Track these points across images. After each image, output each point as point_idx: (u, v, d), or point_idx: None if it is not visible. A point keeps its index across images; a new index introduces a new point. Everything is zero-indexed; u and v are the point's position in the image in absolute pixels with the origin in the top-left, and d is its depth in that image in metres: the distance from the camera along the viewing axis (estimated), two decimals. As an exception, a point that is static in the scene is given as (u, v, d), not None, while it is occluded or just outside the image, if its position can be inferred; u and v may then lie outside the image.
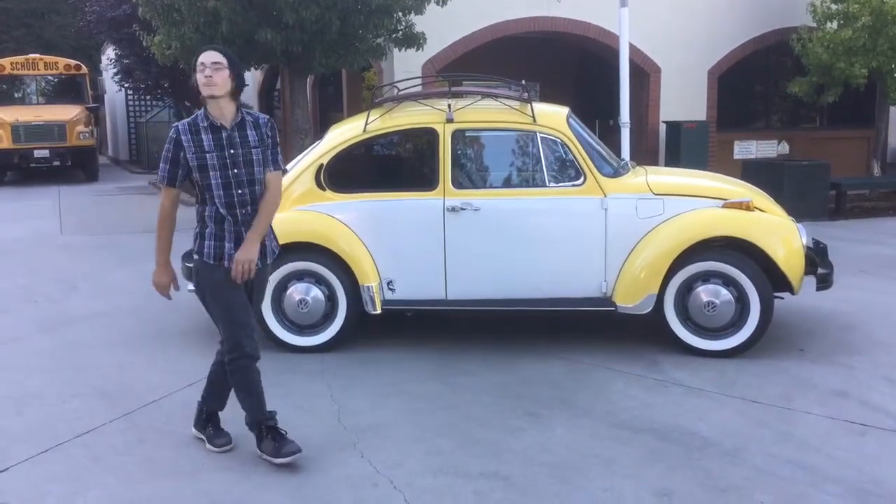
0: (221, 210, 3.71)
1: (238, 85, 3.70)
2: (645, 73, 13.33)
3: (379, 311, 5.34)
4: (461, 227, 5.31)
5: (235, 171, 3.69)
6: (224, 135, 3.70)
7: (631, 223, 5.27)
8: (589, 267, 5.31)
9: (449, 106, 5.44)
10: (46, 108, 18.82)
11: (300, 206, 5.52)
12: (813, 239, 5.72)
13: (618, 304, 5.26)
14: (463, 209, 5.24)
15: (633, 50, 11.42)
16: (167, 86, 15.99)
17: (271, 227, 3.92)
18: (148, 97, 20.42)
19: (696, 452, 3.88)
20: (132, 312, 6.65)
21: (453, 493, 3.53)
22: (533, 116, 5.37)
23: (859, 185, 12.47)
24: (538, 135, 5.36)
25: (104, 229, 11.40)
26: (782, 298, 5.41)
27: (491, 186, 5.49)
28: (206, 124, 3.70)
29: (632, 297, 5.23)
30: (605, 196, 5.28)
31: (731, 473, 3.66)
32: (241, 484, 3.65)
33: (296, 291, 5.43)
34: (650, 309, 5.22)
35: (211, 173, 3.68)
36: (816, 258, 5.43)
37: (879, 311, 6.22)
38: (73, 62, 20.43)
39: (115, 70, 17.22)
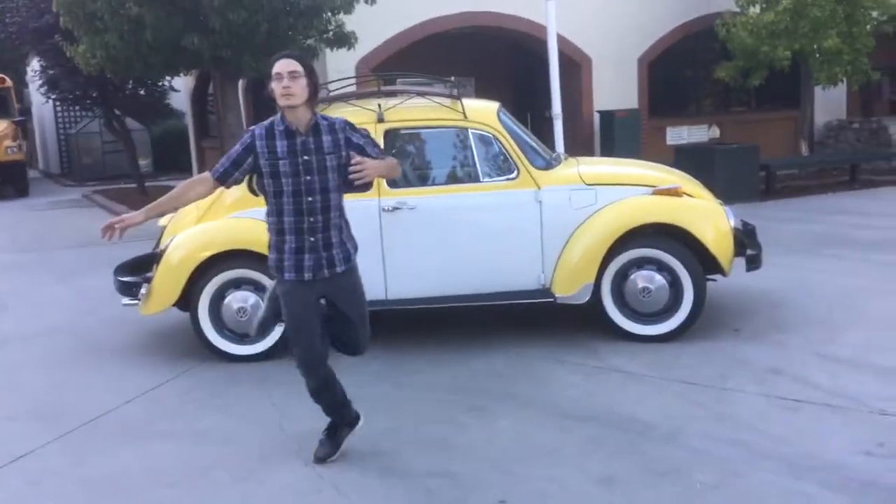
0: (289, 218, 3.62)
1: (315, 91, 3.62)
2: (576, 64, 13.48)
3: (320, 315, 5.29)
4: (397, 227, 5.30)
5: (308, 177, 3.60)
6: (299, 140, 3.60)
7: (565, 214, 5.34)
8: (526, 260, 5.36)
9: (379, 105, 5.43)
10: (-29, 124, 18.21)
11: (235, 212, 5.45)
12: (741, 221, 5.86)
13: (556, 294, 5.32)
14: (398, 208, 5.24)
15: (563, 41, 11.53)
16: (95, 95, 15.59)
17: (349, 231, 3.81)
18: (76, 108, 19.89)
19: (636, 437, 3.96)
20: (67, 330, 6.49)
21: (399, 494, 3.53)
22: (464, 113, 5.39)
23: (788, 165, 12.82)
24: (470, 131, 5.38)
25: (37, 245, 11.09)
26: (715, 281, 5.53)
27: (425, 184, 5.49)
28: (281, 128, 3.61)
29: (569, 287, 5.29)
30: (539, 188, 5.33)
31: (671, 456, 3.74)
32: (183, 499, 3.60)
33: (234, 300, 5.36)
34: (588, 298, 5.29)
35: (283, 180, 3.60)
36: (745, 240, 5.57)
37: (810, 288, 6.41)
38: (-3, 75, 19.81)
39: (40, 82, 16.74)
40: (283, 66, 3.54)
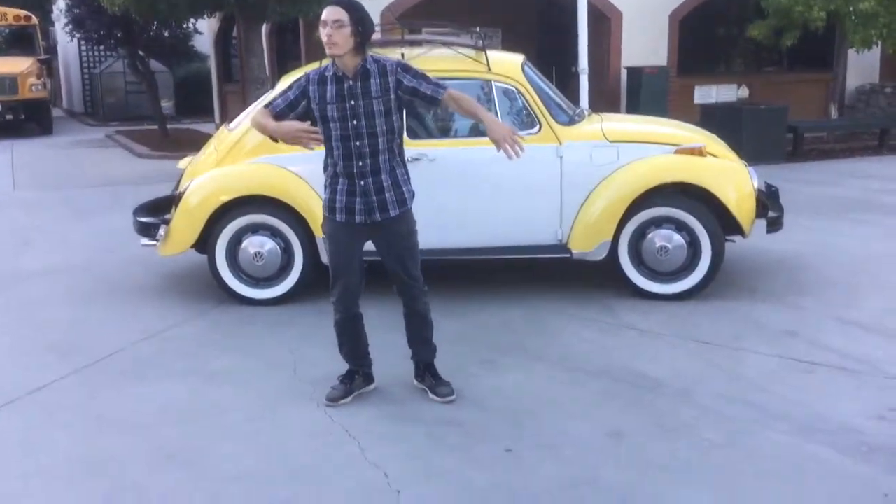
0: (339, 162, 3.66)
1: (363, 40, 3.57)
2: (606, 18, 13.22)
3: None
4: (417, 178, 5.23)
5: (355, 122, 3.61)
6: (346, 86, 3.61)
7: (586, 170, 5.28)
8: (545, 215, 5.32)
9: (402, 55, 5.35)
10: (-3, 61, 18.26)
11: (253, 158, 5.45)
12: (765, 182, 5.78)
13: (573, 250, 5.30)
14: (418, 160, 5.20)
15: (594, -6, 11.30)
16: (120, 36, 15.52)
17: (406, 176, 3.79)
18: (101, 48, 19.86)
19: (647, 393, 3.96)
20: (86, 268, 6.56)
21: (408, 438, 3.57)
22: (488, 65, 5.32)
23: (816, 127, 12.59)
24: (493, 83, 5.31)
25: (59, 184, 11.17)
26: (734, 242, 5.48)
27: (446, 137, 5.46)
28: (331, 74, 3.63)
29: (587, 244, 5.26)
30: (561, 144, 5.27)
31: (681, 413, 3.74)
32: (196, 437, 3.65)
33: (251, 244, 5.38)
34: (605, 255, 5.26)
35: (331, 125, 3.63)
36: (767, 201, 5.50)
37: (831, 252, 6.33)
38: (23, 13, 19.74)
39: (66, 20, 16.71)
40: (328, 13, 3.52)
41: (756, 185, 5.34)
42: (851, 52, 13.02)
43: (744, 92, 13.92)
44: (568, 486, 3.14)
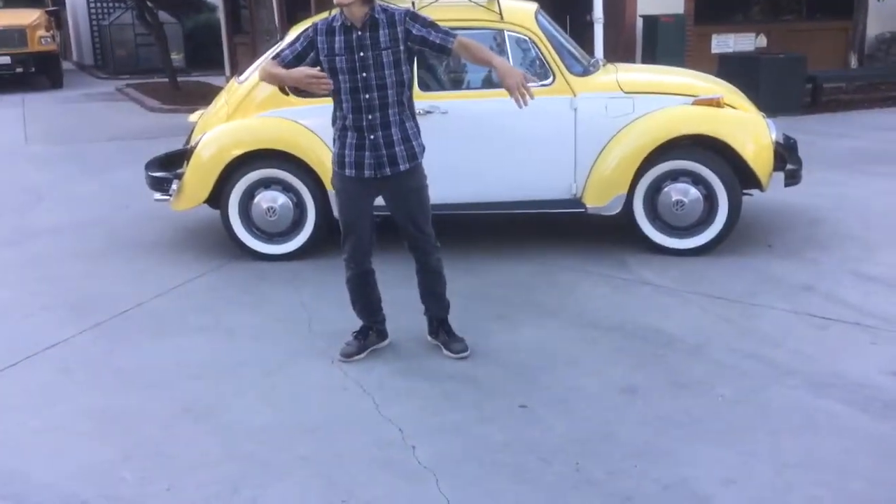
0: (348, 116, 3.61)
1: None
2: (621, -35, 12.93)
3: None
4: (429, 131, 5.18)
5: (364, 74, 3.54)
6: (354, 36, 3.53)
7: (601, 123, 5.20)
8: (559, 168, 5.26)
9: (413, 3, 5.25)
10: (4, 13, 18.12)
11: (264, 111, 5.40)
12: (783, 134, 5.69)
13: (587, 205, 5.25)
14: (430, 112, 5.14)
15: (609, -60, 11.02)
16: (128, -14, 15.44)
17: (416, 130, 3.75)
18: (109, -2, 19.74)
19: (661, 349, 3.95)
20: (99, 223, 6.57)
21: (422, 394, 3.59)
22: (500, 14, 5.22)
23: (835, 77, 12.36)
24: (506, 33, 5.22)
25: (71, 138, 11.15)
26: (751, 195, 5.42)
27: (458, 88, 5.39)
28: (339, 24, 3.56)
29: (601, 198, 5.21)
30: (575, 95, 5.19)
31: (694, 369, 3.74)
32: (211, 391, 3.68)
33: (263, 199, 5.36)
34: (619, 209, 5.21)
35: (340, 77, 3.56)
36: (786, 154, 5.41)
37: (850, 206, 6.25)
38: (29, -38, 19.55)
39: (72, -30, 16.60)
40: None
41: (774, 137, 5.25)
42: (872, 0, 12.71)
43: (762, 41, 13.65)
44: (582, 442, 3.15)
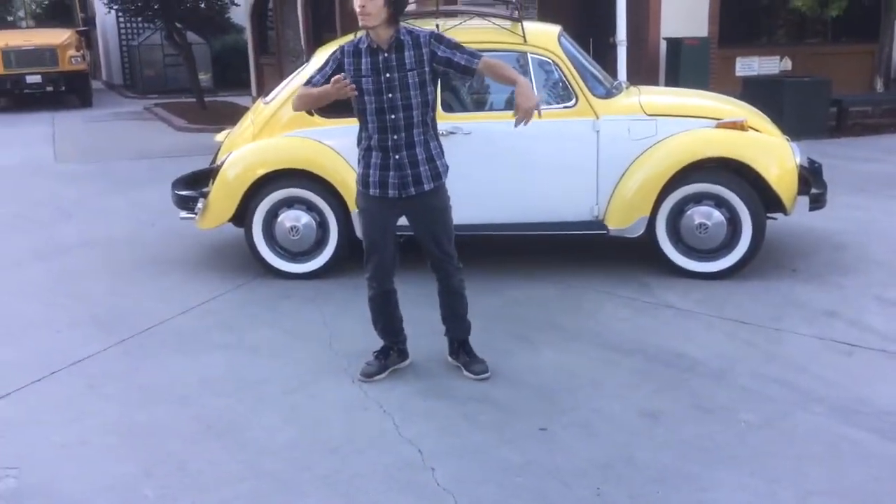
0: (374, 136, 3.66)
1: (396, 11, 3.56)
2: (645, -12, 12.96)
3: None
4: (451, 152, 5.21)
5: (390, 95, 3.59)
6: (381, 58, 3.59)
7: (623, 145, 5.21)
8: (581, 190, 5.27)
9: (437, 26, 5.30)
10: (36, 32, 18.44)
11: (289, 131, 5.46)
12: (808, 158, 5.66)
13: (610, 227, 5.25)
14: (452, 133, 5.17)
15: (633, -36, 11.06)
16: (157, 7, 15.62)
17: (440, 149, 3.78)
18: (139, 19, 20.02)
19: (684, 373, 3.93)
20: (127, 240, 6.65)
21: (442, 415, 3.59)
22: (524, 36, 5.25)
23: (861, 101, 12.27)
24: (529, 55, 5.25)
25: (99, 156, 11.31)
26: (775, 219, 5.39)
27: (482, 110, 5.42)
28: (365, 46, 3.62)
29: (624, 220, 5.20)
30: (598, 118, 5.20)
31: (718, 394, 3.71)
32: (234, 408, 3.71)
33: (287, 218, 5.41)
34: (642, 231, 5.20)
35: (366, 98, 3.62)
36: (810, 178, 5.38)
37: (875, 230, 6.20)
38: (61, -17, 19.94)
39: (103, -8, 16.87)
40: None
41: (798, 160, 5.23)
42: (899, 23, 12.64)
43: (786, 64, 13.60)
44: (603, 466, 3.13)
